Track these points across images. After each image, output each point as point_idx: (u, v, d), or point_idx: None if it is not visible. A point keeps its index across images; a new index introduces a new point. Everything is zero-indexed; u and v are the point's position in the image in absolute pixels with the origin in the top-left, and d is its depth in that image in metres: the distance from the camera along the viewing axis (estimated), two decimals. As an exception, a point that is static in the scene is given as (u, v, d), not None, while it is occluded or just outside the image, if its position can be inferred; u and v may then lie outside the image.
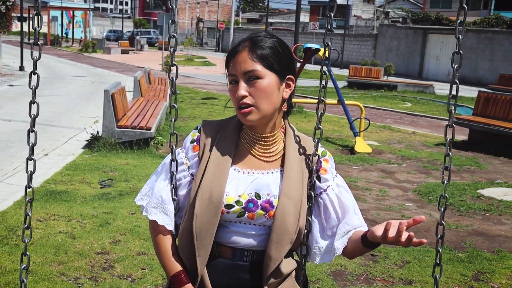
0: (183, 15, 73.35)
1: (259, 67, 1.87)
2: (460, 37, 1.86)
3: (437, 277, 1.92)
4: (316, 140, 1.97)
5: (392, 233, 1.74)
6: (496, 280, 4.46)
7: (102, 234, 4.99)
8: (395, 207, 6.59)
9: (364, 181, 7.81)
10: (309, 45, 10.09)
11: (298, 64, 9.69)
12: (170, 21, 1.97)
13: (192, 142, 2.01)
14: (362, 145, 10.16)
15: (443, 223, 1.89)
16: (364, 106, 11.39)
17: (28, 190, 2.00)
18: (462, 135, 12.70)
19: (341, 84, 24.90)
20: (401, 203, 6.83)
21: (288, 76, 1.93)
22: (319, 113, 1.98)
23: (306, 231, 1.99)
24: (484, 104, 11.58)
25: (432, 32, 35.29)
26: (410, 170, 8.80)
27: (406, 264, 4.71)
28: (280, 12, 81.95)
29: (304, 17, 67.46)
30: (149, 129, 8.89)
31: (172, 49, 2.02)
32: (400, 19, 40.83)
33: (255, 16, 76.10)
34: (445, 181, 1.93)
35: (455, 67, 1.92)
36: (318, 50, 10.19)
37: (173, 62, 2.02)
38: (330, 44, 1.93)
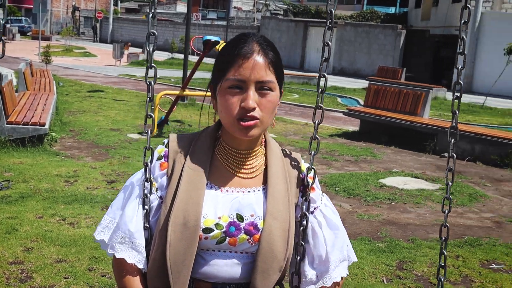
0: (58, 3, 70.10)
1: (274, 79, 1.65)
2: (464, 37, 1.84)
3: (442, 279, 1.90)
4: (313, 152, 1.75)
5: None
6: (419, 268, 4.62)
7: (11, 241, 4.59)
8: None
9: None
10: (208, 37, 10.00)
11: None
12: (151, 15, 1.77)
13: (159, 159, 1.73)
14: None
15: (447, 225, 1.87)
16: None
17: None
18: (352, 126, 13.16)
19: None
20: (310, 195, 6.92)
21: (281, 90, 1.72)
22: (316, 122, 1.77)
23: (298, 258, 1.76)
24: (374, 96, 12.04)
25: (312, 25, 36.28)
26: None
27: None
28: (159, 2, 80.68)
29: (185, 8, 66.96)
30: (43, 125, 8.36)
31: (151, 47, 1.76)
32: (282, 12, 41.62)
33: (134, 6, 74.33)
34: (449, 183, 1.90)
35: (460, 67, 1.88)
36: (218, 42, 10.12)
37: (152, 64, 1.73)
38: (330, 43, 1.79)
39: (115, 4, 62.87)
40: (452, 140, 1.91)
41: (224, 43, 1.81)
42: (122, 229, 1.68)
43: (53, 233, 4.83)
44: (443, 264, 1.90)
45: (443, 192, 7.30)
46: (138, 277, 1.68)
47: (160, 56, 34.88)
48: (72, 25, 64.53)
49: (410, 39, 31.70)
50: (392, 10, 43.64)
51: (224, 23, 40.59)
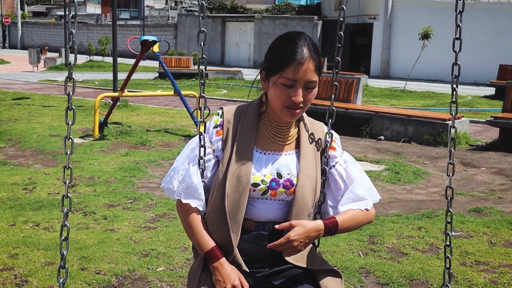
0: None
1: (317, 79, 2.12)
2: (460, 24, 2.14)
3: (449, 234, 2.26)
4: (330, 120, 2.27)
5: None
6: (388, 241, 4.97)
7: (-9, 251, 4.57)
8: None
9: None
10: (146, 37, 10.03)
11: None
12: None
13: (215, 127, 2.20)
14: (205, 133, 10.35)
15: (452, 186, 2.20)
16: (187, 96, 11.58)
17: None
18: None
19: (152, 75, 24.89)
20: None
21: None
22: (333, 96, 2.27)
23: (320, 202, 2.26)
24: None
25: (230, 20, 36.56)
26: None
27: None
28: (67, 4, 78.41)
29: (95, 9, 65.53)
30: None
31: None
32: (197, 8, 41.55)
33: (42, 9, 71.99)
34: (449, 197, 2.24)
35: (457, 50, 2.19)
36: (155, 42, 10.18)
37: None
38: (341, 45, 2.24)
39: (22, 8, 60.69)
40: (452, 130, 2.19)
41: (276, 41, 2.17)
42: (187, 181, 2.15)
43: (32, 238, 4.83)
44: (449, 220, 2.26)
45: (389, 173, 7.75)
46: (199, 217, 2.17)
47: (77, 59, 34.02)
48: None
49: (326, 29, 32.59)
50: (303, 1, 44.54)
51: (138, 22, 40.12)
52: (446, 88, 21.91)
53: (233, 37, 36.23)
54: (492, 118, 10.14)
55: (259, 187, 2.13)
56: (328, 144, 2.28)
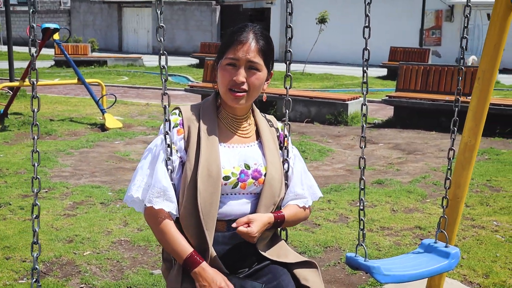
0: None
1: (261, 61, 2.13)
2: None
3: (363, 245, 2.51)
4: (287, 111, 2.33)
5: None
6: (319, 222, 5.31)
7: None
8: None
9: (136, 154, 8.09)
10: (47, 25, 9.83)
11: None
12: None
13: (175, 126, 2.14)
14: (112, 121, 10.31)
15: (364, 157, 2.46)
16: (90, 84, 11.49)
17: None
18: (196, 101, 13.66)
19: (47, 63, 24.10)
20: (180, 168, 7.33)
21: (271, 72, 2.24)
22: (287, 87, 2.34)
23: (284, 193, 2.30)
24: (212, 71, 12.56)
25: (126, 6, 35.90)
26: (168, 138, 9.30)
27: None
28: None
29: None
30: None
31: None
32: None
33: None
34: (362, 166, 2.50)
35: (367, 37, 2.47)
36: (57, 29, 10.00)
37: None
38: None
39: None
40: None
41: (226, 31, 2.24)
42: (157, 185, 2.06)
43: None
44: (362, 187, 2.53)
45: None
46: (172, 222, 2.09)
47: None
48: None
49: (225, 14, 32.80)
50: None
51: (26, 8, 38.41)
52: (342, 70, 22.85)
53: (130, 23, 35.65)
54: (387, 97, 10.81)
55: (230, 180, 2.11)
56: (287, 136, 2.33)
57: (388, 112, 12.06)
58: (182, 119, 2.16)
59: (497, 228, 4.99)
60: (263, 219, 2.12)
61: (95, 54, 26.32)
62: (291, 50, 2.31)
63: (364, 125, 2.60)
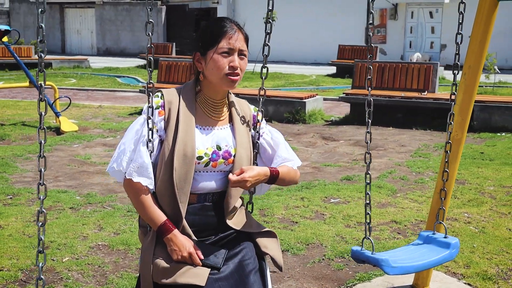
0: None
1: (247, 49, 2.40)
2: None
3: (370, 239, 2.54)
4: (261, 99, 2.56)
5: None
6: (278, 212, 5.32)
7: None
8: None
9: (96, 157, 7.93)
10: (-2, 26, 9.52)
11: None
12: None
13: (156, 108, 2.35)
14: (67, 124, 10.07)
15: (370, 152, 2.49)
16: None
17: None
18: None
19: (-11, 66, 23.27)
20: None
21: None
22: (263, 77, 2.57)
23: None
24: (166, 72, 12.50)
25: (68, 7, 35.13)
26: (128, 140, 9.15)
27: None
28: None
29: None
30: None
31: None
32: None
33: None
34: (368, 161, 2.51)
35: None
36: (9, 31, 9.71)
37: None
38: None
39: None
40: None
41: (205, 24, 2.44)
42: (139, 161, 2.28)
43: None
44: (368, 181, 2.64)
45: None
46: (149, 195, 2.31)
47: None
48: None
49: (171, 14, 32.52)
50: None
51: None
52: (291, 69, 23.02)
53: (73, 24, 34.89)
54: (344, 95, 10.95)
55: (202, 160, 2.33)
56: (259, 120, 2.53)
57: (343, 109, 12.23)
58: (164, 102, 2.36)
59: (469, 219, 5.14)
60: (258, 169, 2.33)
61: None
62: (269, 44, 2.56)
63: (369, 120, 2.61)
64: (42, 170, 2.08)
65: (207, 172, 2.36)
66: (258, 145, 2.52)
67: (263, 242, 2.45)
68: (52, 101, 10.40)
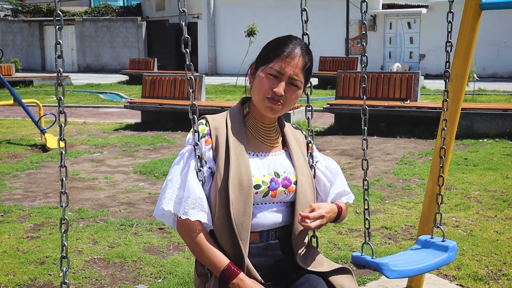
0: None
1: (302, 79, 2.15)
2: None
3: (370, 244, 2.61)
4: (309, 118, 2.43)
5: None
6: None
7: None
8: (133, 189, 6.98)
9: (85, 173, 7.94)
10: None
11: None
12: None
13: (203, 136, 2.13)
14: (53, 141, 10.07)
15: (367, 159, 2.57)
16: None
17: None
18: (132, 118, 13.52)
19: (-31, 85, 23.13)
20: (134, 184, 7.24)
21: (304, 89, 2.25)
22: (308, 93, 2.41)
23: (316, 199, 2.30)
24: (150, 87, 12.53)
25: (47, 24, 35.03)
26: (115, 156, 9.17)
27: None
28: None
29: None
30: None
31: None
32: (10, 12, 39.23)
33: None
34: (365, 168, 2.59)
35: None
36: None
37: None
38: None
39: None
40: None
41: (273, 39, 2.24)
42: (192, 197, 2.04)
43: None
44: (366, 187, 2.62)
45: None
46: (207, 234, 2.08)
47: None
48: None
49: (151, 30, 32.58)
50: (120, 3, 43.97)
51: None
52: (272, 81, 23.13)
53: (53, 42, 34.36)
54: (329, 105, 11.08)
55: (260, 189, 2.11)
56: (311, 143, 2.37)
57: (326, 120, 12.36)
58: (210, 129, 2.15)
59: (457, 223, 5.25)
60: (330, 206, 2.16)
61: (19, 74, 25.50)
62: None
63: (365, 128, 2.68)
64: (64, 179, 2.06)
65: (266, 204, 2.15)
66: (314, 168, 2.34)
67: (338, 280, 2.23)
68: (37, 119, 10.41)
